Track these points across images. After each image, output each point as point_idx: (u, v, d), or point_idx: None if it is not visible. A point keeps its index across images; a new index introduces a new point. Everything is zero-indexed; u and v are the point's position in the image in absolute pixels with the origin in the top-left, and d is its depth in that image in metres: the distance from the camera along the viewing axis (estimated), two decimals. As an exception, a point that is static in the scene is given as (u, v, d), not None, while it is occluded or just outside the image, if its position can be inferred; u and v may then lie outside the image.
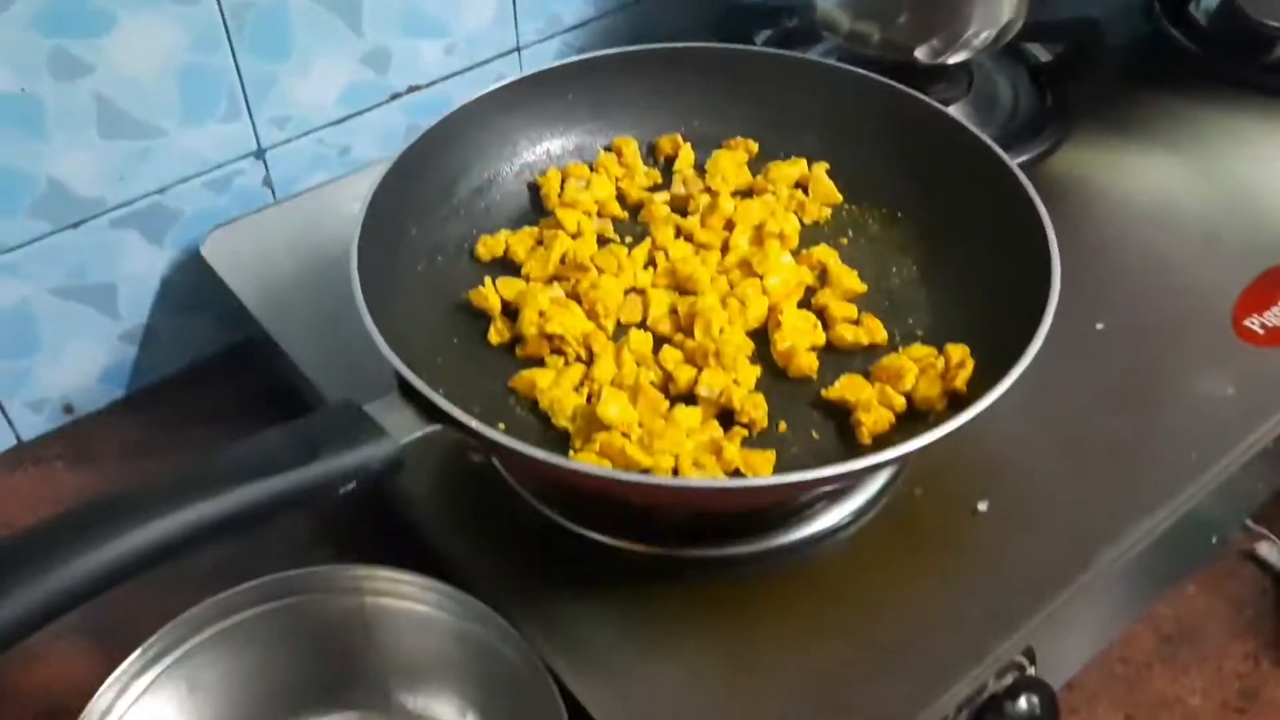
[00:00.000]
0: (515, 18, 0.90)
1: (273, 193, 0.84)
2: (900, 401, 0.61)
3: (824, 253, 0.71)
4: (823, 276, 0.70)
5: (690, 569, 0.62)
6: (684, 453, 0.58)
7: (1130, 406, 0.71)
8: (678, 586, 0.61)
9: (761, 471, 0.58)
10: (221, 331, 0.86)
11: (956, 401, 0.61)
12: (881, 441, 0.61)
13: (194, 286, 0.82)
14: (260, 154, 0.82)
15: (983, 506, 0.65)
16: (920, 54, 0.85)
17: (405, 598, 0.59)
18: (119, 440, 0.81)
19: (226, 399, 0.84)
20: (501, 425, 0.61)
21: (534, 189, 0.77)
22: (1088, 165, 0.90)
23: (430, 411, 0.54)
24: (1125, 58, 1.02)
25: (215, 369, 0.87)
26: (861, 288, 0.69)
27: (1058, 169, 0.89)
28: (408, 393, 0.55)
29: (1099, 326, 0.75)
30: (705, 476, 0.57)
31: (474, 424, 0.53)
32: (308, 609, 0.59)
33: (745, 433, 0.60)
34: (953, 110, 0.77)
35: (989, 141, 0.71)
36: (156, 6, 0.72)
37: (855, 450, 0.60)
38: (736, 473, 0.58)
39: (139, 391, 0.85)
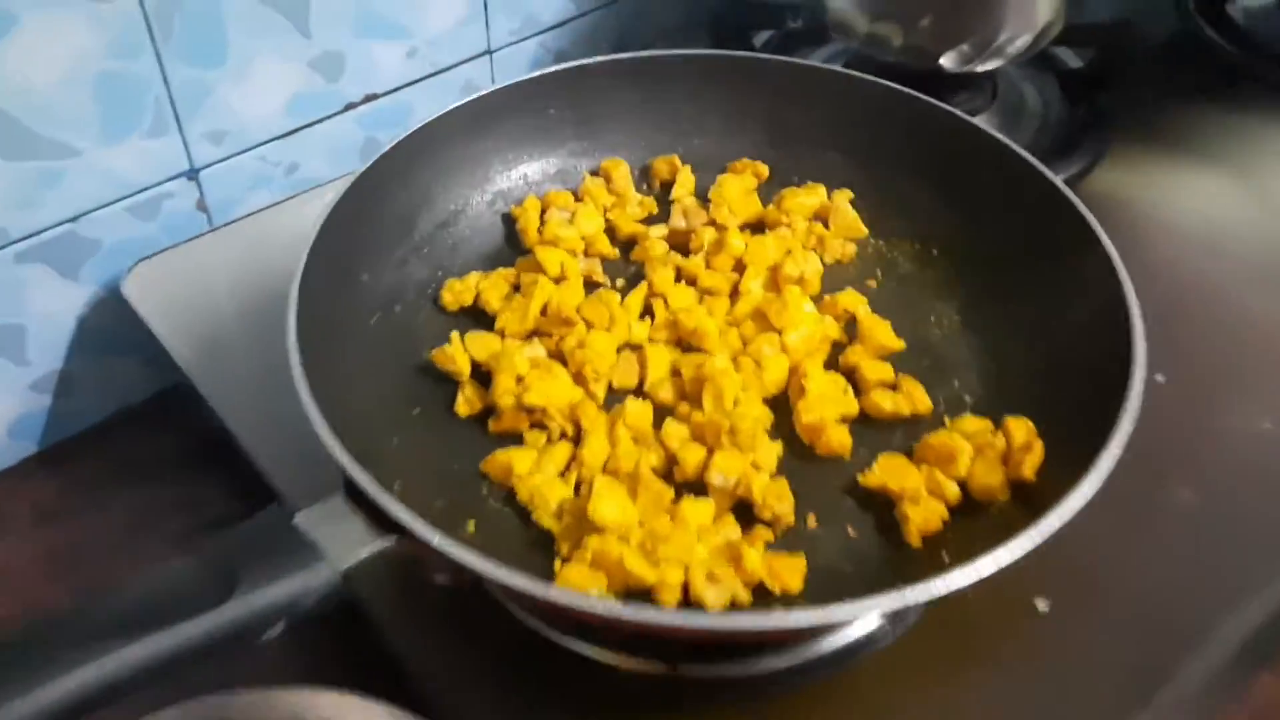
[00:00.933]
0: (486, 16, 0.79)
1: (208, 218, 0.74)
2: (954, 491, 0.52)
3: (851, 299, 0.61)
4: (850, 328, 0.60)
5: (697, 690, 0.52)
6: (695, 562, 0.48)
7: (1202, 472, 0.62)
8: (684, 712, 0.51)
9: (791, 585, 0.48)
10: (151, 375, 0.75)
11: (1021, 490, 0.52)
12: (934, 543, 0.50)
13: (115, 327, 0.72)
14: (193, 174, 0.72)
15: (1042, 606, 0.55)
16: (946, 61, 0.75)
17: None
18: (30, 502, 0.71)
19: (156, 451, 0.74)
20: (470, 524, 0.51)
21: (509, 222, 0.67)
22: (1129, 185, 0.81)
23: (383, 520, 0.43)
24: (1160, 62, 0.93)
25: (144, 417, 0.77)
26: (898, 344, 0.59)
27: (1097, 189, 0.80)
28: (355, 495, 0.44)
29: (1159, 379, 0.65)
30: (721, 590, 0.47)
31: (437, 541, 0.42)
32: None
33: (769, 535, 0.50)
34: (977, 122, 0.67)
35: (1039, 165, 0.62)
36: (65, 4, 0.61)
37: (901, 552, 0.51)
38: (760, 588, 0.47)
39: (54, 446, 0.74)
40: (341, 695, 0.50)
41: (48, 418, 0.73)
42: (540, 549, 0.51)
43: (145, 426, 0.75)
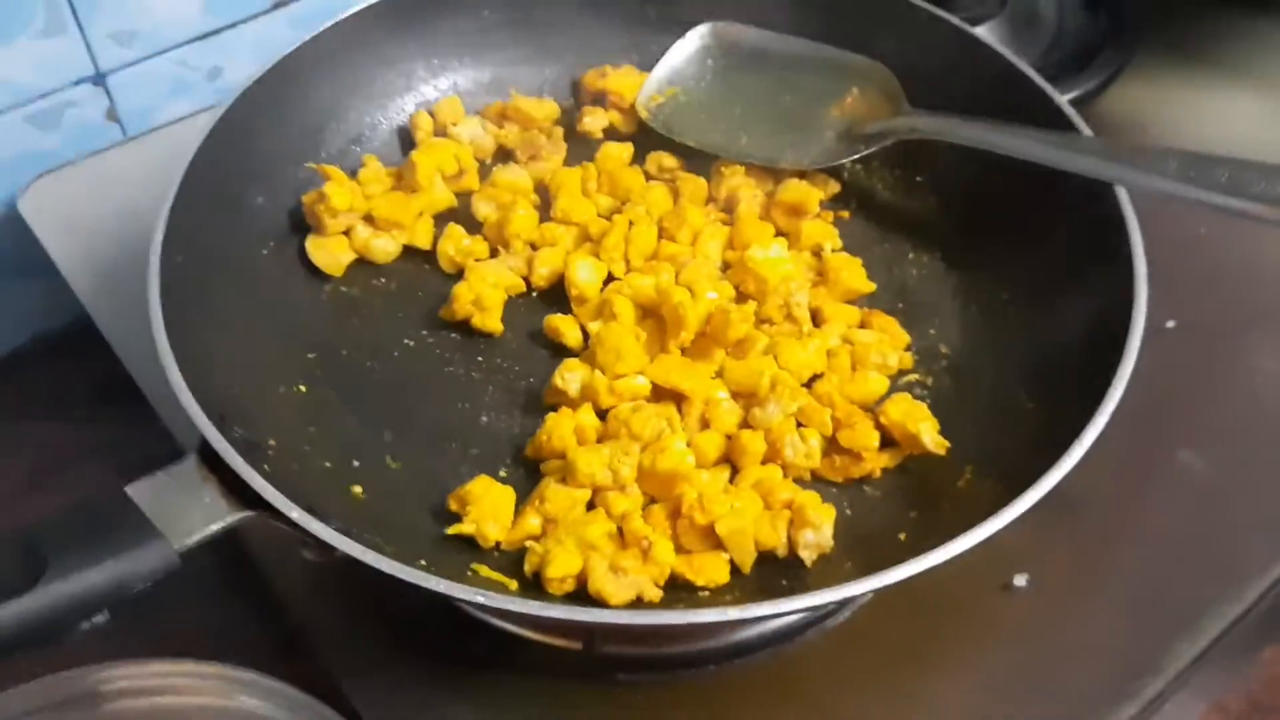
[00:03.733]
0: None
1: (121, 129, 0.67)
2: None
3: (820, 231, 0.55)
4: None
5: (624, 670, 0.46)
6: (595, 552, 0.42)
7: (1213, 436, 0.55)
8: (606, 692, 0.46)
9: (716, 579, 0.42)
10: (66, 302, 0.69)
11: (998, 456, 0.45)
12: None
13: (14, 249, 0.65)
14: (99, 79, 0.65)
15: (1020, 581, 0.50)
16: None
17: (208, 694, 0.43)
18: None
19: (73, 386, 0.68)
20: (358, 489, 0.45)
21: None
22: (1148, 104, 0.74)
23: (241, 490, 0.37)
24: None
25: (60, 348, 0.71)
26: (869, 286, 0.54)
27: (1114, 107, 0.73)
28: (209, 458, 0.38)
29: (1169, 324, 0.58)
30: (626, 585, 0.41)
31: (296, 516, 0.36)
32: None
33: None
34: (983, 31, 0.60)
35: (1038, 79, 0.55)
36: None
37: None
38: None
39: (-40, 378, 0.68)
40: (221, 668, 0.45)
41: (-53, 346, 0.67)
42: (438, 517, 0.45)
43: (62, 358, 0.69)
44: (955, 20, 0.59)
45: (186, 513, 0.37)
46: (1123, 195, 0.50)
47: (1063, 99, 0.55)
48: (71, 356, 0.69)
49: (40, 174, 0.64)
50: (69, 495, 0.62)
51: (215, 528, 0.37)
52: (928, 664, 0.47)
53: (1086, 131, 0.53)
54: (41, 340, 0.70)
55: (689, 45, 0.63)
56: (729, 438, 0.48)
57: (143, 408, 0.61)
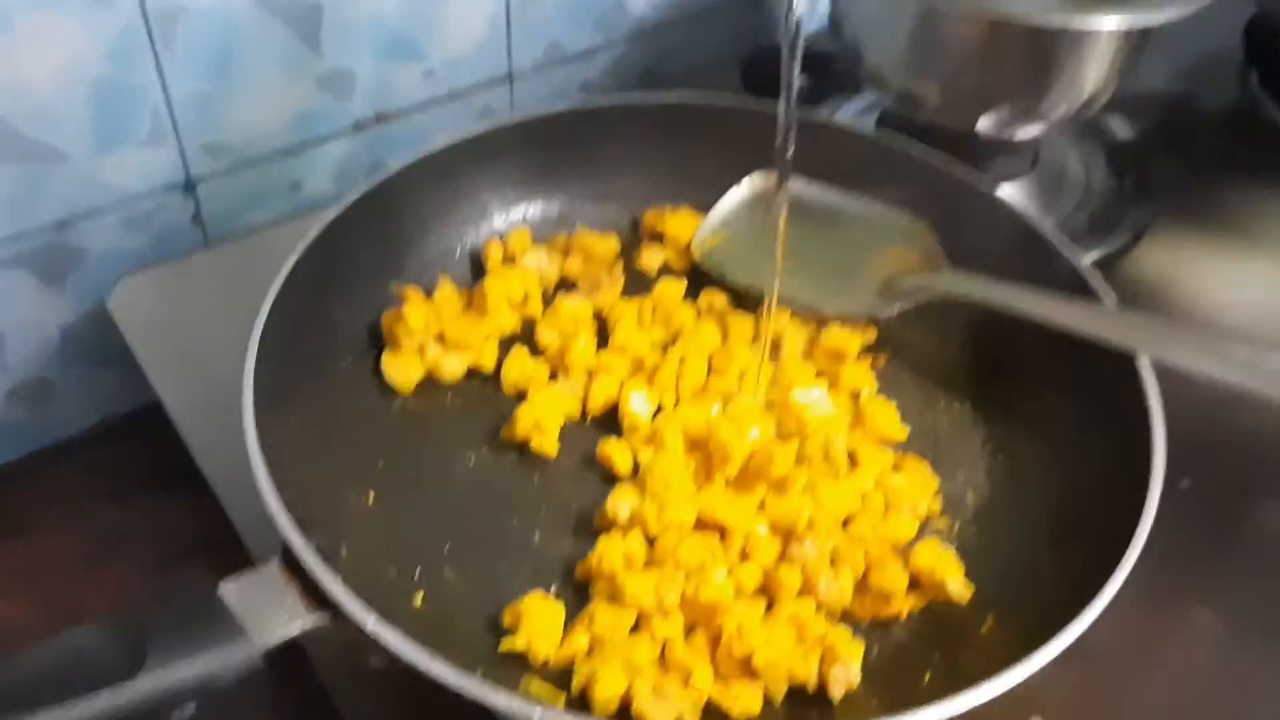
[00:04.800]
0: (509, 40, 0.76)
1: (203, 234, 0.71)
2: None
3: (859, 376, 0.58)
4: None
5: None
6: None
7: (1226, 589, 0.57)
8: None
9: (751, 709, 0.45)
10: (136, 388, 0.72)
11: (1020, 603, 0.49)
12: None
13: (99, 339, 0.69)
14: (189, 186, 0.69)
15: (1036, 729, 0.51)
16: (984, 125, 0.71)
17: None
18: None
19: (135, 469, 0.71)
20: (418, 596, 0.48)
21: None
22: (1170, 267, 0.76)
23: (317, 594, 0.40)
24: (1217, 136, 0.88)
25: (125, 431, 0.73)
26: (902, 433, 0.56)
27: (1135, 270, 0.75)
28: (291, 563, 0.41)
29: (1184, 484, 0.61)
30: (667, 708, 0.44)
31: (370, 626, 0.39)
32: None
33: None
34: (1011, 189, 0.64)
35: (1063, 248, 0.59)
36: (60, 6, 0.58)
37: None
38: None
39: (29, 456, 0.71)
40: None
41: (24, 427, 0.70)
42: (492, 629, 0.48)
43: (126, 442, 0.72)
44: (984, 187, 0.63)
45: (270, 615, 0.40)
46: (1143, 361, 0.53)
47: (1087, 265, 0.58)
48: (137, 441, 0.72)
49: (126, 272, 0.68)
50: (131, 575, 0.65)
51: (295, 632, 0.40)
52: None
53: (1110, 299, 0.56)
54: (106, 425, 0.73)
55: (741, 192, 0.67)
56: (766, 571, 0.51)
57: (200, 494, 0.64)
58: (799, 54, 0.50)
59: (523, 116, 0.63)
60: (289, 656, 0.48)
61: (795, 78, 0.51)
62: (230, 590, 0.40)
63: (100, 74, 0.62)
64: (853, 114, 0.81)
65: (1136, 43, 0.67)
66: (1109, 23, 0.61)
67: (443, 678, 0.39)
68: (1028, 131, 0.72)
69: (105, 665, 0.36)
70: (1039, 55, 0.66)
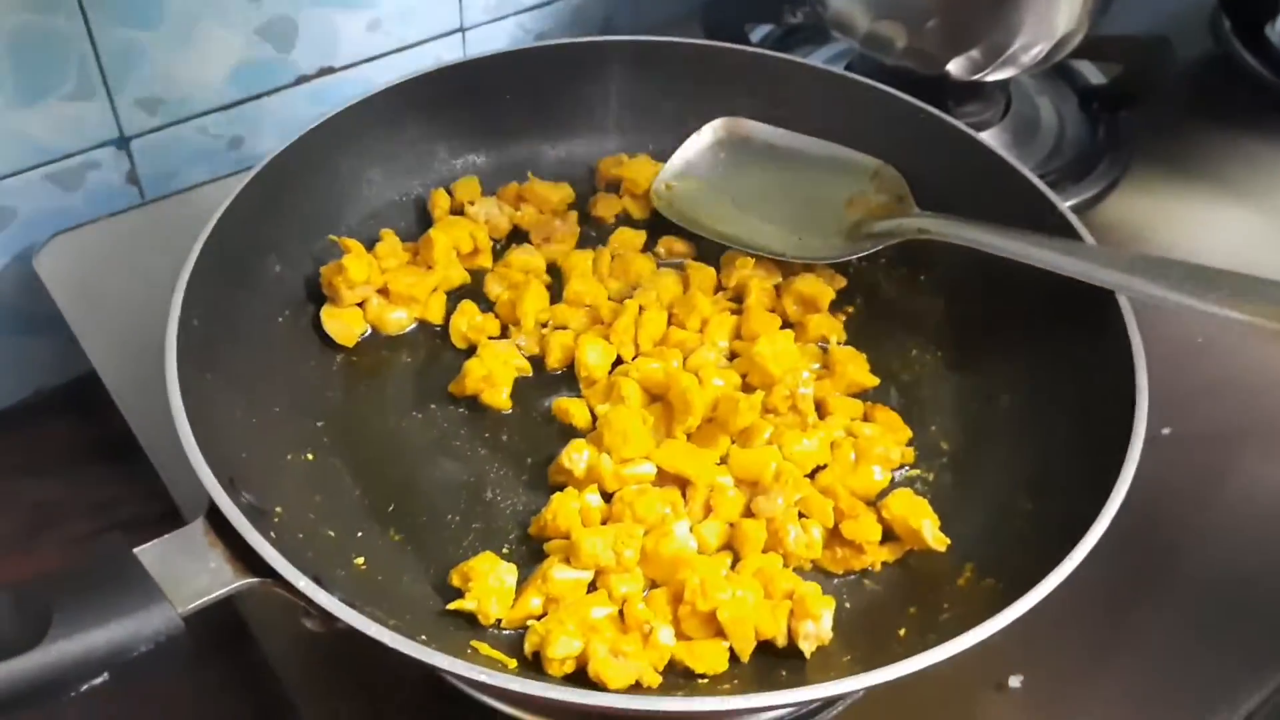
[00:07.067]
0: (460, -11, 0.73)
1: (140, 193, 0.68)
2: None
3: (826, 324, 0.55)
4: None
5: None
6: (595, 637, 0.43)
7: (1209, 540, 0.55)
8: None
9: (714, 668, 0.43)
10: (70, 358, 0.69)
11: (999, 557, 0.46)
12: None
13: (28, 304, 0.66)
14: (123, 142, 0.66)
15: (1015, 682, 0.49)
16: (954, 68, 0.68)
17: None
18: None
19: (71, 442, 0.68)
20: (360, 560, 0.45)
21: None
22: (1146, 213, 0.75)
23: (247, 556, 0.37)
24: (1190, 83, 0.86)
25: (60, 404, 0.71)
26: (872, 381, 0.54)
27: (1110, 217, 0.74)
28: (218, 523, 0.38)
29: (1165, 431, 0.59)
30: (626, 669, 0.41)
31: (303, 585, 0.36)
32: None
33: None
34: (986, 137, 0.61)
35: (1045, 189, 0.56)
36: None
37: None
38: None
39: (-41, 430, 0.68)
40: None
41: (-48, 399, 0.67)
42: (440, 591, 0.45)
43: (61, 414, 0.69)
44: (961, 125, 0.61)
45: (192, 577, 0.37)
46: (1124, 303, 0.51)
47: (1065, 205, 0.56)
48: (73, 413, 0.69)
49: (57, 232, 0.65)
50: (63, 551, 0.62)
51: (220, 593, 0.37)
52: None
53: (1089, 238, 0.54)
54: (39, 396, 0.70)
55: (703, 138, 0.64)
56: (731, 525, 0.49)
57: (139, 466, 0.61)
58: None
59: (471, 57, 0.60)
60: (225, 623, 0.46)
61: None
62: (149, 553, 0.37)
63: (20, 22, 0.58)
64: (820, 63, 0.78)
65: (1108, -19, 0.65)
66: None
67: (380, 638, 0.36)
68: (999, 74, 0.70)
69: (3, 637, 0.33)
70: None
